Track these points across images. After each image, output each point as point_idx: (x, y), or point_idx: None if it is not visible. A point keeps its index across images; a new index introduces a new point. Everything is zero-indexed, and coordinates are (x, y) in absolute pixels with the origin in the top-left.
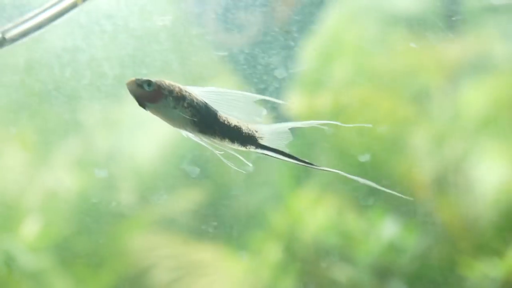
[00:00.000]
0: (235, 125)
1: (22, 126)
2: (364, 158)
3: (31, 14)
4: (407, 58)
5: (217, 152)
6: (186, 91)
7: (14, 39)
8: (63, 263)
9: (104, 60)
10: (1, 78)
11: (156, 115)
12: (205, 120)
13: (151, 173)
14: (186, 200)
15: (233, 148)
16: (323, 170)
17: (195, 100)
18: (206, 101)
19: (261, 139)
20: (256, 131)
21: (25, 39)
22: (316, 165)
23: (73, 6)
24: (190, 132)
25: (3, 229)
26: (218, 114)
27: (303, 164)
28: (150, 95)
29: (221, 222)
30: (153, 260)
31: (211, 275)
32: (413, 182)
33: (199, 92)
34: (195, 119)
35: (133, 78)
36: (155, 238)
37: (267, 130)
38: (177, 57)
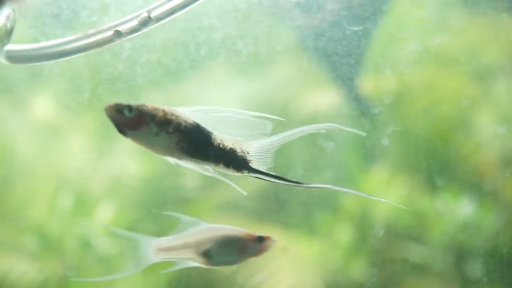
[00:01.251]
0: (230, 148)
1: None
2: None
3: None
4: (470, 37)
5: (212, 174)
6: (172, 114)
7: (159, 18)
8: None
9: (239, 38)
10: (139, 58)
11: (138, 143)
12: (196, 144)
13: None
14: (250, 183)
15: (227, 173)
16: (314, 187)
17: (183, 124)
18: (198, 122)
19: (251, 162)
20: (248, 153)
21: (169, 19)
22: (305, 184)
23: None
24: (178, 158)
25: (80, 213)
26: (213, 136)
27: (293, 184)
28: (130, 121)
29: (287, 204)
30: None
31: (281, 258)
32: (479, 161)
33: (189, 113)
34: (183, 145)
35: (113, 103)
36: (221, 222)
37: (254, 149)
38: (311, 33)
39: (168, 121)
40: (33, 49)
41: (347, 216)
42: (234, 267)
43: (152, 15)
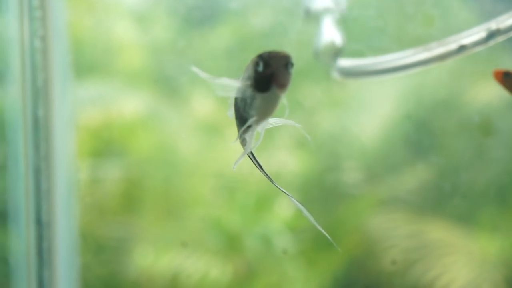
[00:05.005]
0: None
1: None
2: None
3: None
4: None
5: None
6: None
7: (508, 30)
8: (294, 245)
9: None
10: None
11: (264, 102)
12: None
13: (376, 151)
14: (413, 178)
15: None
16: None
17: None
18: None
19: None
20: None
21: None
22: (274, 182)
23: None
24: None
25: (258, 210)
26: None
27: (264, 175)
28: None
29: (451, 198)
30: (388, 240)
31: (453, 254)
32: None
33: None
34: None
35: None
36: (385, 218)
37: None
38: None
39: None
40: (367, 64)
41: None
42: (404, 264)
43: (501, 26)
